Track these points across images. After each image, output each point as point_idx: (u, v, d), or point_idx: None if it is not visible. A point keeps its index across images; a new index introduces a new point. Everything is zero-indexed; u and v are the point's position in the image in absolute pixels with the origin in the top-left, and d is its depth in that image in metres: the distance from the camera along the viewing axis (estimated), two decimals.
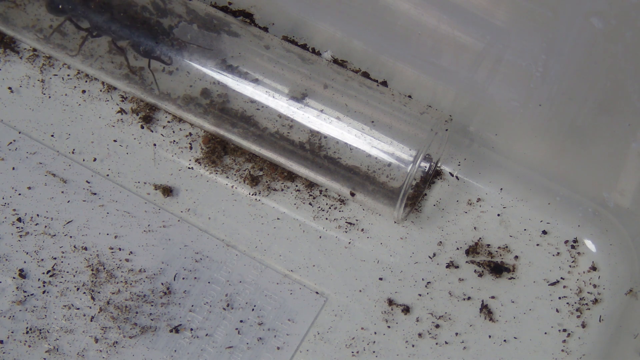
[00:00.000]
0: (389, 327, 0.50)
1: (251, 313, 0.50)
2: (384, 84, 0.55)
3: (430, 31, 0.51)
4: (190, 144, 0.55)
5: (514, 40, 0.47)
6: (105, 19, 0.52)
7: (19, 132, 0.55)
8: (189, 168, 0.54)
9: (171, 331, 0.49)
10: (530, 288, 0.51)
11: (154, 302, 0.50)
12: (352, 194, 0.51)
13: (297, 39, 0.57)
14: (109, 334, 0.49)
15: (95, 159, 0.54)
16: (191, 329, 0.49)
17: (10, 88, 0.57)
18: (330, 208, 0.53)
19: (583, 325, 0.50)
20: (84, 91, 0.57)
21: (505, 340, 0.49)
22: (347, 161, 0.50)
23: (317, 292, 0.51)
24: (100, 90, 0.57)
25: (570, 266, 0.51)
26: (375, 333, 0.49)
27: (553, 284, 0.51)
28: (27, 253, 0.51)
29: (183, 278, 0.51)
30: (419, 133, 0.49)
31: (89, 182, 0.53)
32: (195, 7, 0.53)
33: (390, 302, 0.50)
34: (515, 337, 0.49)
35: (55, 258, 0.51)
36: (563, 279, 0.51)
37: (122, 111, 0.56)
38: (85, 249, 0.51)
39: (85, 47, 0.54)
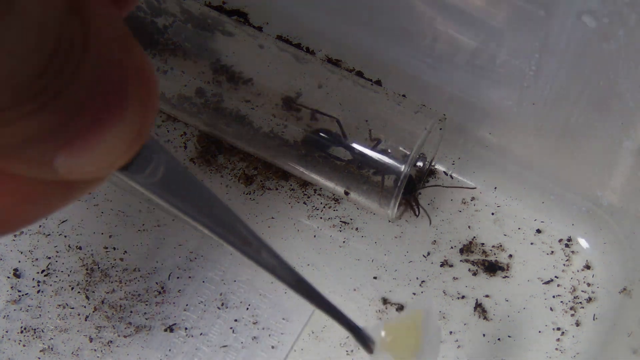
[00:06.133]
0: None
1: (246, 312, 0.50)
2: (378, 83, 0.55)
3: (424, 30, 0.51)
4: (184, 143, 0.55)
5: (507, 39, 0.47)
6: None
7: None
8: None
9: (165, 330, 0.49)
10: (525, 287, 0.51)
11: (148, 301, 0.50)
12: (347, 193, 0.51)
13: (291, 38, 0.57)
14: (103, 333, 0.49)
15: None
16: (186, 328, 0.49)
17: None
18: (324, 207, 0.53)
19: (577, 324, 0.50)
20: None
21: (499, 339, 0.49)
22: (341, 160, 0.50)
23: None
24: None
25: (564, 265, 0.51)
26: None
27: (547, 282, 0.51)
28: (21, 252, 0.51)
29: (177, 277, 0.51)
30: (413, 132, 0.49)
31: None
32: (190, 6, 0.53)
33: (385, 301, 0.50)
34: (509, 336, 0.49)
35: (49, 257, 0.51)
36: (557, 277, 0.51)
37: None
38: (80, 248, 0.51)
39: None
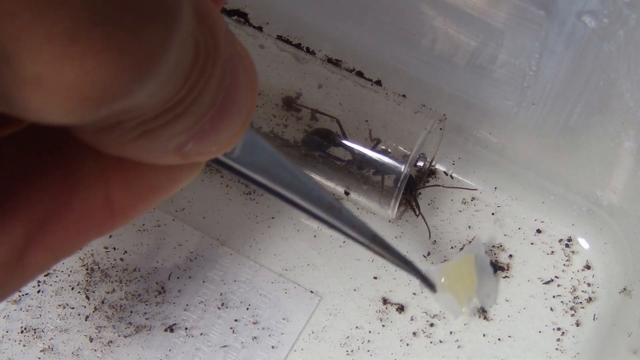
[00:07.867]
0: (383, 325, 0.50)
1: (246, 312, 0.50)
2: (378, 83, 0.55)
3: (424, 30, 0.51)
4: None
5: (507, 39, 0.47)
6: None
7: None
8: None
9: (166, 330, 0.49)
10: (525, 287, 0.51)
11: (148, 301, 0.50)
12: (347, 193, 0.51)
13: (291, 38, 0.57)
14: (103, 333, 0.49)
15: None
16: (186, 328, 0.49)
17: None
18: None
19: (577, 324, 0.50)
20: None
21: (499, 339, 0.49)
22: (341, 160, 0.50)
23: (311, 291, 0.51)
24: None
25: (564, 265, 0.51)
26: (369, 332, 0.49)
27: (547, 282, 0.51)
28: None
29: (177, 277, 0.51)
30: (413, 132, 0.49)
31: None
32: None
33: (385, 301, 0.50)
34: (509, 336, 0.49)
35: None
36: (557, 277, 0.51)
37: None
38: (80, 248, 0.51)
39: None
